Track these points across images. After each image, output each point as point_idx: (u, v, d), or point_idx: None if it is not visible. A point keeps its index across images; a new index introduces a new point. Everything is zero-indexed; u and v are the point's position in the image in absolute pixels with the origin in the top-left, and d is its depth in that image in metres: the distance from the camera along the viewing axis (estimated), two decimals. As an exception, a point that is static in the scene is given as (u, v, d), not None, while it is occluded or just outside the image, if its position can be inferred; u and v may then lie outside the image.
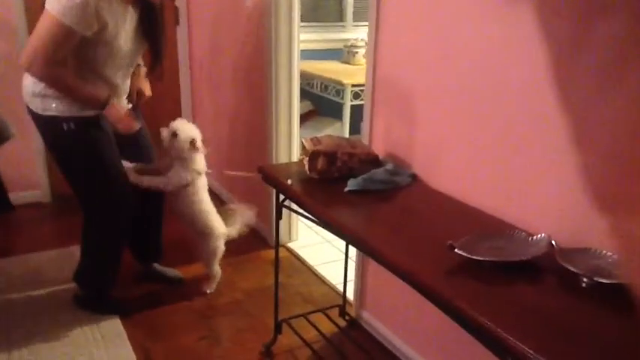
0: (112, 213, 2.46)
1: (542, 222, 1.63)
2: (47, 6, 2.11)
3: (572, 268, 1.40)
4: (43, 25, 2.10)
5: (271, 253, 3.18)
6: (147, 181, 2.54)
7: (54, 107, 2.25)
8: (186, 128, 2.56)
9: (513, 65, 1.70)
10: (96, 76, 2.28)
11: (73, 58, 2.21)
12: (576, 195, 1.55)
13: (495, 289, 1.42)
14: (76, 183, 2.43)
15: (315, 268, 3.12)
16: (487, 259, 1.46)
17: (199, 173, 2.63)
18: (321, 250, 3.32)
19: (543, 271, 1.47)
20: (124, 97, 2.50)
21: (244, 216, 2.87)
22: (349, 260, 2.60)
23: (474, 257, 1.46)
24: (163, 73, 2.57)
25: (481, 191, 1.87)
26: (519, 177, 1.73)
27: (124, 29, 2.25)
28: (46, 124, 2.31)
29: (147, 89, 2.64)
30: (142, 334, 2.50)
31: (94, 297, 2.65)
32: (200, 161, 2.63)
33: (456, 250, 1.47)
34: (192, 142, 2.55)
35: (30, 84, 2.28)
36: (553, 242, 1.50)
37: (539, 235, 1.55)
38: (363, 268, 2.58)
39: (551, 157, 1.62)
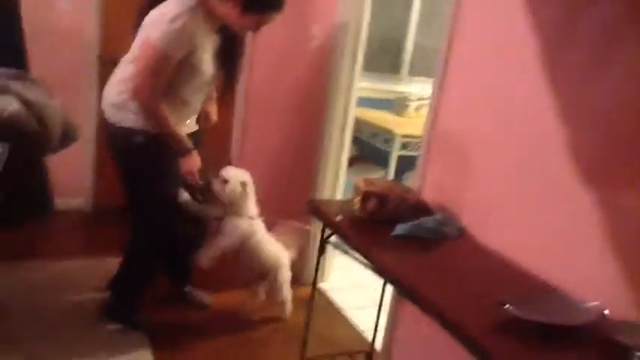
0: (164, 226, 2.51)
1: (592, 290, 1.61)
2: (144, 34, 2.23)
3: (623, 341, 1.37)
4: (144, 55, 2.22)
5: (300, 290, 3.17)
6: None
7: (130, 119, 2.32)
8: (235, 174, 2.59)
9: (581, 130, 1.72)
10: (176, 96, 2.35)
11: None
12: (633, 266, 1.53)
13: (540, 351, 1.40)
14: (134, 193, 2.48)
15: (344, 311, 3.10)
16: (536, 319, 1.44)
17: (252, 218, 2.65)
18: (350, 294, 3.31)
19: (592, 339, 1.45)
20: (194, 117, 2.58)
21: (297, 235, 2.89)
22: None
23: (523, 317, 1.45)
24: (233, 99, 2.66)
25: (531, 252, 1.86)
26: (573, 241, 1.72)
27: (208, 54, 2.35)
28: (118, 135, 2.38)
29: (214, 113, 2.72)
30: (168, 354, 2.51)
31: (126, 308, 2.66)
32: (252, 207, 2.65)
33: (505, 306, 1.46)
34: (243, 185, 2.58)
35: (113, 94, 2.37)
36: (605, 312, 1.48)
37: (591, 303, 1.53)
38: (395, 317, 2.55)
39: (609, 225, 1.61)
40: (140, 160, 2.40)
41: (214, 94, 2.70)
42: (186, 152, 2.38)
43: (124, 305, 2.66)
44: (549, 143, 1.81)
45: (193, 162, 2.41)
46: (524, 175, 1.91)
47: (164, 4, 2.25)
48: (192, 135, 2.53)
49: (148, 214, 2.50)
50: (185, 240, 2.74)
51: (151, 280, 2.66)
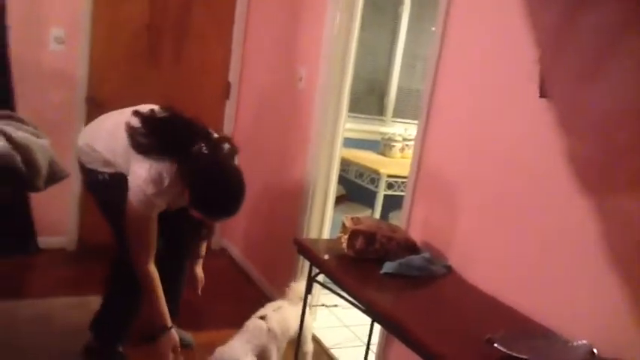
0: None
1: (579, 329, 1.62)
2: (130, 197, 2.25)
3: (612, 379, 1.38)
4: (130, 221, 2.27)
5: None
6: None
7: (97, 164, 2.41)
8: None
9: (558, 164, 1.75)
10: None
11: None
12: (618, 306, 1.55)
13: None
14: (114, 225, 2.48)
15: (331, 350, 3.06)
16: (525, 357, 1.45)
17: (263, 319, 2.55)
18: (338, 334, 3.27)
19: (582, 377, 1.45)
20: None
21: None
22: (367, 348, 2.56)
23: (513, 354, 1.45)
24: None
25: (517, 290, 1.87)
26: (559, 280, 1.74)
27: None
28: (85, 172, 2.48)
29: (201, 275, 2.83)
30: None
31: (107, 349, 2.61)
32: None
33: (495, 344, 1.47)
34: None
35: (85, 146, 2.45)
36: (595, 350, 1.49)
37: (579, 341, 1.53)
38: (384, 357, 2.53)
39: (595, 265, 1.63)
40: (111, 194, 2.40)
41: (202, 255, 2.78)
42: (162, 329, 2.34)
43: (106, 345, 2.61)
44: (538, 183, 1.85)
45: (168, 342, 2.34)
46: (510, 213, 1.94)
47: (154, 166, 2.21)
48: None
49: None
50: (169, 272, 2.70)
51: (134, 316, 2.60)
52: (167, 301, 2.83)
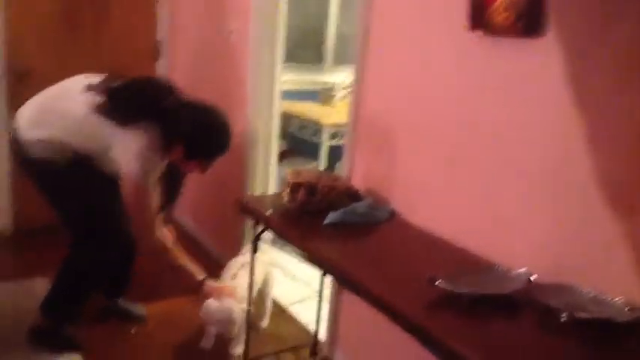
0: (107, 245, 2.44)
1: (520, 257, 1.65)
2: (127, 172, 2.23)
3: (550, 304, 1.41)
4: (134, 198, 2.28)
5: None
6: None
7: (49, 151, 2.27)
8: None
9: (495, 103, 1.75)
10: None
11: None
12: (555, 230, 1.58)
13: (474, 323, 1.43)
14: (71, 213, 2.40)
15: (285, 306, 3.07)
16: (466, 292, 1.47)
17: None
18: (291, 289, 3.27)
19: (522, 305, 1.49)
20: None
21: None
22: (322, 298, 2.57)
23: (454, 290, 1.47)
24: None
25: (461, 229, 1.89)
26: (499, 213, 1.76)
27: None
28: (35, 165, 2.33)
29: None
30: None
31: (55, 331, 2.52)
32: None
33: (436, 283, 1.48)
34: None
35: (40, 133, 2.28)
36: (532, 277, 1.52)
37: (517, 270, 1.57)
38: (337, 307, 2.55)
39: (532, 193, 1.66)
40: (68, 182, 2.33)
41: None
42: (197, 285, 2.37)
43: (54, 325, 2.52)
44: (476, 122, 1.84)
45: (211, 289, 2.37)
46: (450, 153, 1.94)
47: (139, 135, 2.19)
48: None
49: (92, 228, 2.42)
50: (125, 245, 2.61)
51: (89, 297, 2.54)
52: (120, 277, 2.79)
